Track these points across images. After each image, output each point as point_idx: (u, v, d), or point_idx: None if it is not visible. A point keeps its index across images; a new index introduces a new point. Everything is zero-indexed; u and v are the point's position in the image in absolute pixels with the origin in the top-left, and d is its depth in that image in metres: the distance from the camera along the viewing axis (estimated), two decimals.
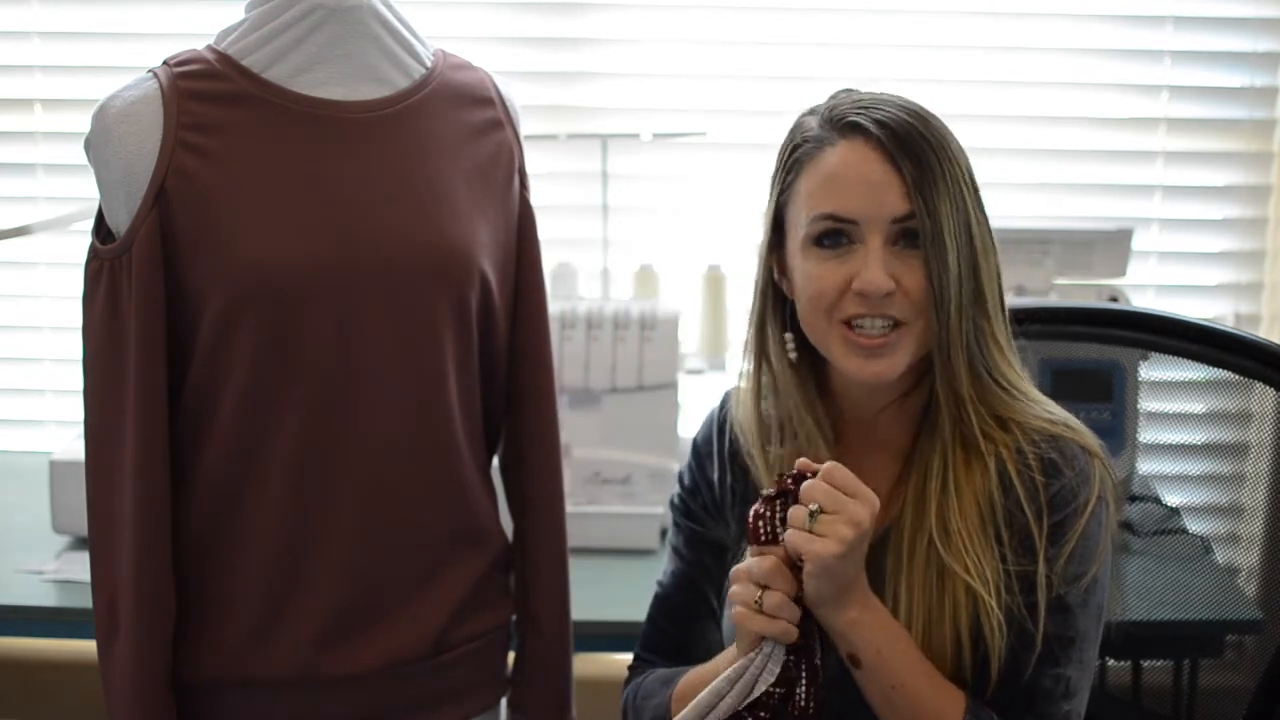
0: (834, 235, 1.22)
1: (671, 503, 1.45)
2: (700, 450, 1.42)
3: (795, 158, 1.26)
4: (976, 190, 1.25)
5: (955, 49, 2.47)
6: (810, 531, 1.16)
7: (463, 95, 1.43)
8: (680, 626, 1.41)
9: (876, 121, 1.21)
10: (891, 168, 1.20)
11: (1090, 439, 1.27)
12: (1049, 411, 1.28)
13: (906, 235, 1.21)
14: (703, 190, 2.50)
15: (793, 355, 1.30)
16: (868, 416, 1.31)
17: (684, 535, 1.43)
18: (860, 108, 1.23)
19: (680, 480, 1.44)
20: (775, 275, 1.31)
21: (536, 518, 1.52)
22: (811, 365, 1.31)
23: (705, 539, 1.41)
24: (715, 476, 1.40)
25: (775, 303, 1.31)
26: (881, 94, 1.25)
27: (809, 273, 1.24)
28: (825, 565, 1.15)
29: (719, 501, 1.40)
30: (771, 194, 1.30)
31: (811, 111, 1.28)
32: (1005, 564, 1.23)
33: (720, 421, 1.41)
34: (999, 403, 1.25)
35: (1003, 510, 1.24)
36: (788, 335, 1.30)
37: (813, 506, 1.16)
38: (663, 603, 1.43)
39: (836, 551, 1.14)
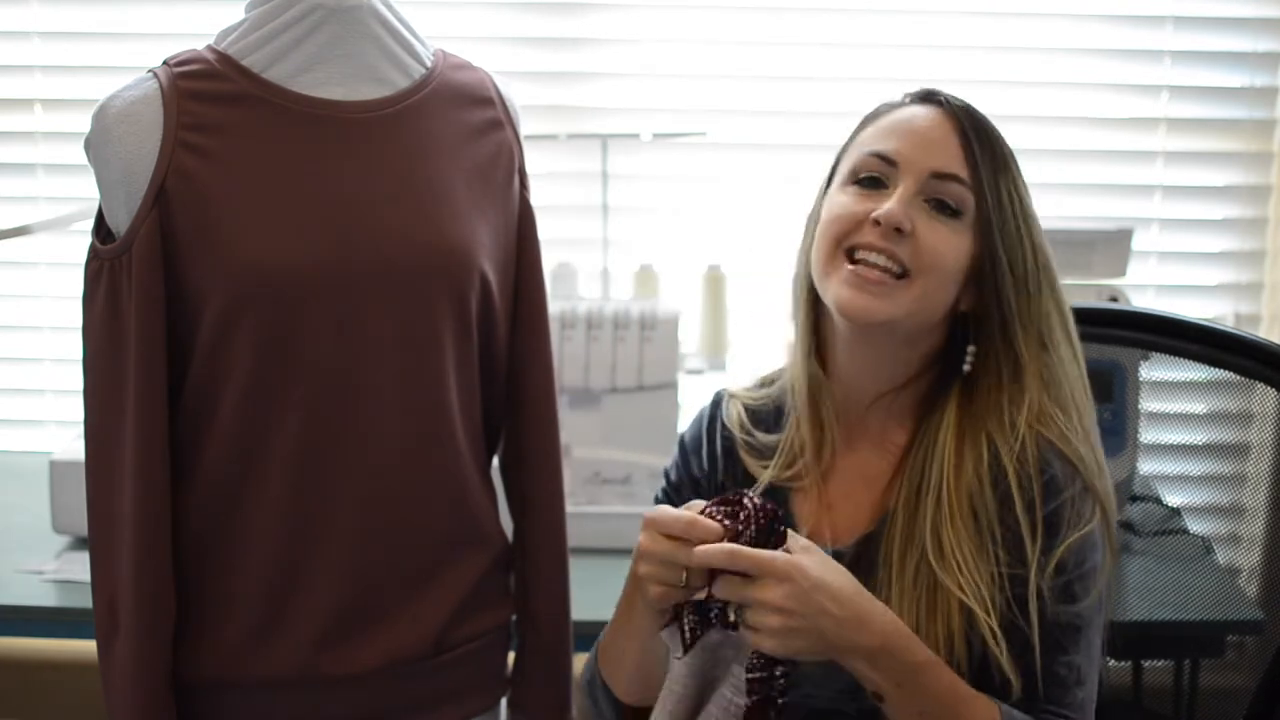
0: (872, 179, 1.24)
1: (656, 498, 1.46)
2: (687, 447, 1.43)
3: (868, 116, 1.31)
4: (1030, 200, 1.28)
5: (955, 49, 2.47)
6: (749, 627, 1.13)
7: (463, 95, 1.43)
8: None
9: (953, 102, 1.26)
10: (956, 135, 1.24)
11: (1093, 471, 1.25)
12: (1073, 436, 1.25)
13: (938, 201, 1.23)
14: (703, 190, 2.50)
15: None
16: (861, 406, 1.31)
17: None
18: (942, 91, 1.28)
19: (665, 475, 1.45)
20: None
21: (536, 518, 1.52)
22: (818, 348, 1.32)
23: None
24: (701, 474, 1.40)
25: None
26: None
27: (835, 203, 1.26)
28: (781, 650, 1.13)
29: (704, 499, 1.40)
30: (837, 154, 1.33)
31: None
32: (999, 565, 1.22)
33: (711, 419, 1.42)
34: (1040, 401, 1.25)
35: (998, 516, 1.23)
36: None
37: (731, 617, 1.13)
38: None
39: (774, 643, 1.12)
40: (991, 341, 1.25)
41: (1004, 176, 1.24)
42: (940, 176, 1.23)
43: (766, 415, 1.38)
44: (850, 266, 1.23)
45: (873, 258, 1.22)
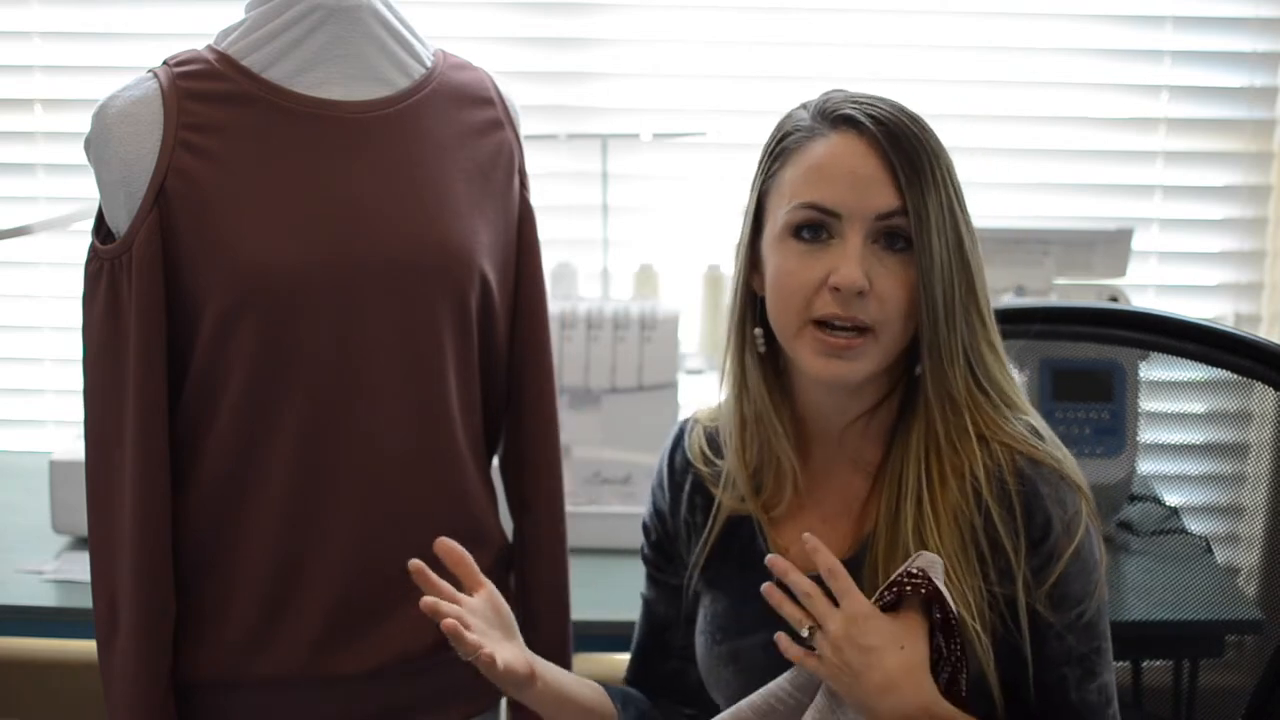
0: (813, 227, 1.20)
1: (641, 549, 1.45)
2: (654, 491, 1.42)
3: (783, 146, 1.25)
4: (962, 196, 1.23)
5: (955, 49, 2.47)
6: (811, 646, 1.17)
7: (463, 95, 1.43)
8: (646, 660, 1.43)
9: (870, 117, 1.20)
10: (882, 163, 1.19)
11: (1073, 469, 1.24)
12: (1036, 434, 1.25)
13: (887, 236, 1.19)
14: (703, 190, 2.50)
15: (761, 349, 1.27)
16: (834, 432, 1.28)
17: (646, 573, 1.44)
18: (854, 103, 1.22)
19: (643, 523, 1.44)
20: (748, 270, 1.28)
21: (536, 518, 1.52)
22: (777, 371, 1.29)
23: (657, 580, 1.42)
24: (668, 509, 1.39)
25: (750, 298, 1.28)
26: (874, 94, 1.24)
27: (783, 267, 1.22)
28: (829, 680, 1.17)
29: (673, 536, 1.39)
30: (754, 184, 1.28)
31: (803, 106, 1.26)
32: (989, 584, 1.20)
33: (671, 451, 1.40)
34: (988, 414, 1.23)
35: (984, 533, 1.21)
36: (757, 331, 1.27)
37: (804, 631, 1.17)
38: (636, 640, 1.45)
39: (823, 671, 1.16)
40: (928, 357, 1.21)
41: (931, 193, 1.19)
42: (884, 216, 1.19)
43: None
44: (818, 334, 1.20)
45: (837, 323, 1.19)
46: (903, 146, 1.19)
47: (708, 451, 1.36)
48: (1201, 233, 2.54)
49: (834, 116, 1.22)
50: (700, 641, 1.34)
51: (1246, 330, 1.68)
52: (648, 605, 1.44)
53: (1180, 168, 2.51)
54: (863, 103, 1.22)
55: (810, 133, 1.23)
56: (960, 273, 1.20)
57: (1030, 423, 1.26)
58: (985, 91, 2.49)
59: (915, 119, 1.22)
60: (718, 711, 1.27)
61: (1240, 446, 2.37)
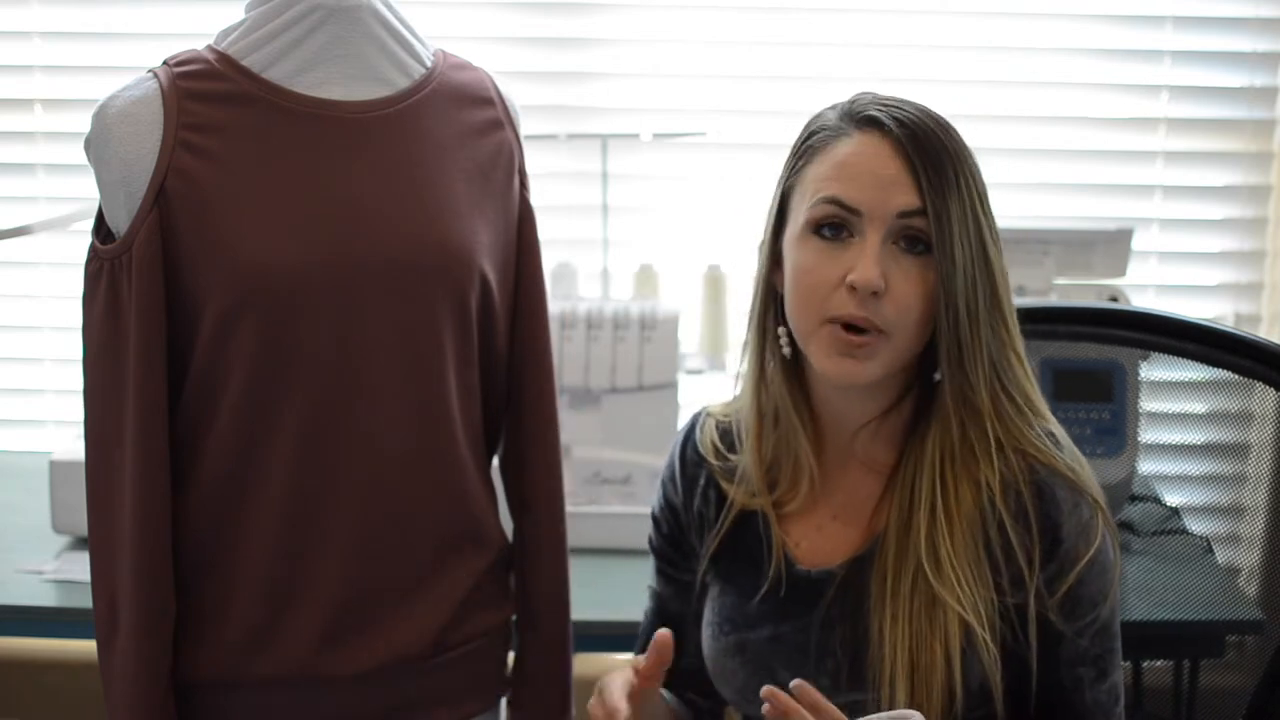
0: (834, 226, 1.20)
1: (649, 539, 1.45)
2: (664, 483, 1.42)
3: (809, 144, 1.25)
4: (987, 201, 1.24)
5: (955, 49, 2.47)
6: None
7: (463, 95, 1.43)
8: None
9: (896, 119, 1.20)
10: (905, 165, 1.19)
11: (1091, 484, 1.24)
12: (1055, 441, 1.25)
13: (907, 238, 1.19)
14: (703, 190, 2.50)
15: (786, 351, 1.27)
16: (847, 432, 1.28)
17: (654, 568, 1.44)
18: (881, 105, 1.22)
19: (652, 515, 1.44)
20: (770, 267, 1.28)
21: (536, 518, 1.52)
22: (797, 368, 1.29)
23: (670, 576, 1.42)
24: (680, 502, 1.39)
25: (771, 295, 1.29)
26: (901, 97, 1.25)
27: (803, 264, 1.22)
28: None
29: (685, 530, 1.39)
30: (779, 181, 1.28)
31: (831, 107, 1.27)
32: (1001, 594, 1.21)
33: (684, 444, 1.40)
34: (1010, 420, 1.23)
35: (999, 542, 1.21)
36: (781, 330, 1.27)
37: None
38: (644, 632, 1.44)
39: None
40: (949, 365, 1.21)
41: (954, 197, 1.19)
42: (905, 215, 1.19)
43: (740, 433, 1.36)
44: (833, 332, 1.19)
45: (852, 323, 1.19)
46: (926, 149, 1.19)
47: (720, 445, 1.36)
48: (1201, 233, 2.54)
49: (860, 117, 1.22)
50: (707, 633, 1.34)
51: (1246, 330, 1.68)
52: (660, 599, 1.44)
53: (1180, 168, 2.51)
54: (889, 105, 1.22)
55: (836, 132, 1.23)
56: (984, 279, 1.21)
57: (1050, 429, 1.26)
58: (985, 91, 2.49)
59: (941, 122, 1.22)
60: (726, 704, 1.28)
61: (1241, 447, 2.37)
